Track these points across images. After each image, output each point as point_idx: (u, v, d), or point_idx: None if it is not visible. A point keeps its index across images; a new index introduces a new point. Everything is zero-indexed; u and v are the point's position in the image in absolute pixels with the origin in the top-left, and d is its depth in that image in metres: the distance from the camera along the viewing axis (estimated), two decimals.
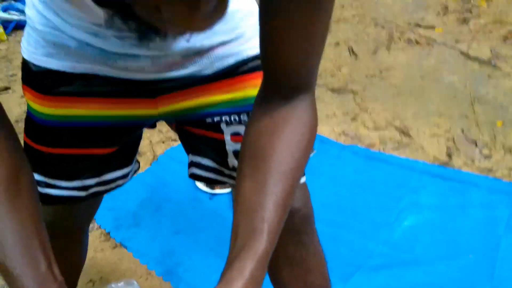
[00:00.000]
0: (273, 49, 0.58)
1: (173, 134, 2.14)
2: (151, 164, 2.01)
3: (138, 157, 2.14)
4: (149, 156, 2.06)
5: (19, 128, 2.37)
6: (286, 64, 0.59)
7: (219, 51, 0.74)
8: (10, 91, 2.74)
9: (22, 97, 2.64)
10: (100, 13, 0.62)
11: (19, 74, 3.10)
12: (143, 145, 2.12)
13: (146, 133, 2.19)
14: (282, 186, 0.57)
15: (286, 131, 0.60)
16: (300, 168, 0.61)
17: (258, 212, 0.55)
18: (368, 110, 2.12)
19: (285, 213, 0.58)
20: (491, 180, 1.64)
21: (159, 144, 2.11)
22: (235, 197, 0.60)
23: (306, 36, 0.56)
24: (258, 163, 0.59)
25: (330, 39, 2.71)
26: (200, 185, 1.81)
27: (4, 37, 3.43)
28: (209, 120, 0.77)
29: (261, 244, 0.54)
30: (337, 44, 2.64)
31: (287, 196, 0.58)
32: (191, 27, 0.37)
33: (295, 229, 0.82)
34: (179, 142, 2.18)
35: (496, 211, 1.51)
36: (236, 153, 0.78)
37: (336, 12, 3.00)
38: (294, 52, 0.57)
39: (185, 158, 2.13)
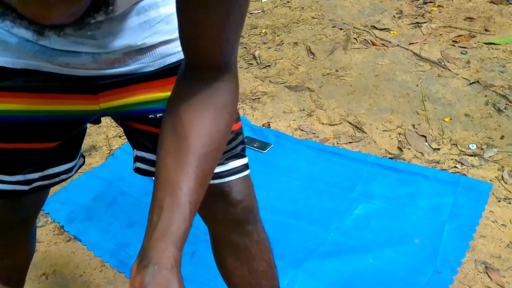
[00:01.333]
0: (190, 34, 0.61)
1: None
2: (107, 159, 1.99)
3: (94, 152, 2.13)
4: (105, 151, 2.04)
5: None
6: (203, 48, 0.61)
7: (161, 49, 0.76)
8: None
9: None
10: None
11: None
12: (99, 139, 2.10)
13: (103, 128, 2.17)
14: (202, 167, 0.60)
15: (207, 113, 0.62)
16: (219, 149, 0.65)
17: (183, 194, 0.58)
18: (324, 106, 2.17)
19: (203, 193, 0.62)
20: (437, 171, 1.71)
21: (115, 138, 2.10)
22: (158, 170, 0.62)
23: (222, 24, 0.59)
24: (181, 143, 0.61)
25: (289, 39, 2.76)
26: None
27: None
28: (151, 116, 0.78)
29: (184, 227, 0.57)
30: (296, 44, 2.69)
31: (207, 177, 0.62)
32: (47, 15, 0.39)
33: (238, 219, 0.85)
34: None
35: (442, 200, 1.57)
36: None
37: (296, 14, 3.06)
38: (210, 38, 0.60)
39: None
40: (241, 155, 0.82)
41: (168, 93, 0.77)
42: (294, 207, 1.60)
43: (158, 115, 0.78)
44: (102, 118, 0.88)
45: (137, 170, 0.85)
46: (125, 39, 0.72)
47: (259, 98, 2.28)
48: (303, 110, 2.16)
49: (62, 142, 0.82)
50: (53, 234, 1.67)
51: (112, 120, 2.28)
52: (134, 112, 0.79)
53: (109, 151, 2.04)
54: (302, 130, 2.04)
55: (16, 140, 0.78)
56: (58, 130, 0.80)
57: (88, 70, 0.74)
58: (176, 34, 0.75)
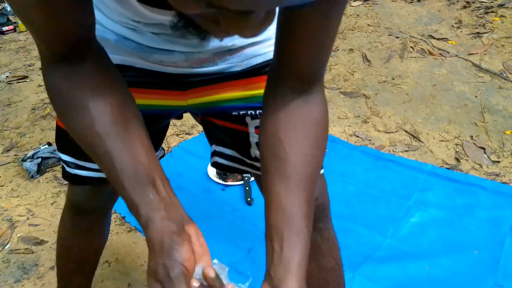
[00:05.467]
0: (288, 48, 0.63)
1: (187, 128, 2.20)
2: (164, 156, 2.06)
3: None
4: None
5: (36, 116, 2.46)
6: (300, 60, 0.63)
7: (249, 50, 0.80)
8: (27, 79, 2.81)
9: (38, 86, 2.71)
10: (141, 10, 0.67)
11: (37, 64, 3.19)
12: None
13: None
14: (309, 187, 0.63)
15: (306, 132, 0.64)
16: (320, 165, 0.67)
17: (299, 221, 0.61)
18: (379, 114, 2.17)
19: (313, 209, 0.65)
20: (496, 184, 1.67)
21: (173, 137, 2.17)
22: (269, 196, 0.64)
23: (319, 37, 0.61)
24: (286, 168, 0.63)
25: (344, 46, 2.77)
26: (213, 176, 1.86)
27: (23, 28, 3.51)
28: (235, 113, 0.82)
29: (305, 254, 0.61)
30: (351, 50, 2.70)
31: (313, 194, 0.65)
32: (244, 35, 0.41)
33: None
34: (192, 136, 2.23)
35: (502, 212, 1.54)
36: (258, 144, 0.83)
37: (352, 21, 3.06)
38: (307, 51, 0.62)
39: (198, 151, 2.19)
40: None
41: (252, 92, 0.81)
42: (350, 211, 1.61)
43: (241, 112, 0.81)
44: None
45: (215, 164, 0.89)
46: (217, 40, 0.75)
47: None
48: (359, 116, 2.17)
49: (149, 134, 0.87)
50: (115, 224, 1.75)
51: (178, 119, 2.37)
52: (218, 109, 0.83)
53: (167, 149, 2.11)
54: (357, 136, 2.04)
55: None
56: (147, 123, 0.85)
57: (179, 68, 0.79)
58: (264, 36, 0.79)
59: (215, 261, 0.63)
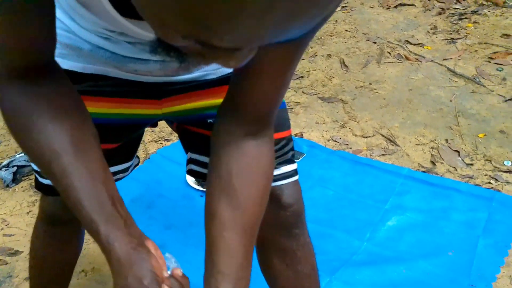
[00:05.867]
0: (250, 87, 0.63)
1: (165, 134, 2.19)
2: (143, 163, 2.05)
3: None
4: (141, 155, 2.10)
5: None
6: (260, 100, 0.64)
7: None
8: None
9: None
10: (118, 19, 0.66)
11: None
12: None
13: None
14: (256, 233, 0.65)
15: (259, 180, 0.66)
16: (264, 209, 0.69)
17: (246, 267, 0.63)
18: (357, 118, 2.19)
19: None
20: (471, 186, 1.71)
21: (151, 143, 2.16)
22: (215, 240, 0.64)
23: (281, 77, 0.62)
24: (238, 217, 0.64)
25: (322, 51, 2.79)
26: (192, 183, 1.86)
27: None
28: (210, 120, 0.82)
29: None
30: (329, 56, 2.72)
31: (256, 236, 0.67)
32: (228, 66, 0.41)
33: (287, 222, 0.88)
34: (171, 142, 2.23)
35: (476, 214, 1.58)
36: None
37: (330, 27, 3.09)
38: (269, 91, 0.63)
39: (176, 157, 2.19)
40: (291, 161, 0.86)
41: None
42: (328, 216, 1.62)
43: None
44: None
45: (190, 172, 0.90)
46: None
47: (292, 108, 2.31)
48: (336, 121, 2.19)
49: (123, 143, 0.86)
50: None
51: (153, 127, 2.34)
52: (194, 116, 0.83)
53: (145, 155, 2.10)
54: (335, 141, 2.06)
55: None
56: (121, 132, 0.84)
57: (154, 77, 0.79)
58: None
59: (167, 255, 0.65)
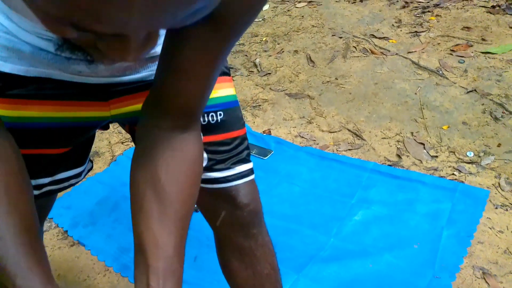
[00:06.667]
0: (175, 78, 0.61)
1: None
2: (109, 165, 2.02)
3: (97, 158, 2.15)
4: (107, 157, 2.06)
5: None
6: (186, 94, 0.62)
7: None
8: None
9: None
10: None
11: None
12: (102, 145, 2.12)
13: (105, 134, 2.20)
14: (186, 227, 0.63)
15: (186, 171, 0.63)
16: (195, 201, 0.66)
17: (176, 261, 0.60)
18: (323, 114, 2.20)
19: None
20: (435, 178, 1.73)
21: (117, 145, 2.12)
22: (143, 235, 0.60)
23: (208, 69, 0.60)
24: (165, 208, 0.61)
25: (289, 47, 2.79)
26: None
27: None
28: None
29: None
30: (296, 52, 2.73)
31: (187, 230, 0.64)
32: (125, 59, 0.39)
33: (244, 222, 0.87)
34: None
35: (440, 206, 1.60)
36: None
37: (297, 22, 3.10)
38: (195, 84, 0.61)
39: None
40: (246, 160, 0.85)
41: None
42: (295, 212, 1.62)
43: None
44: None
45: None
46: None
47: (259, 105, 2.31)
48: (303, 117, 2.19)
49: (73, 147, 0.84)
50: (57, 239, 1.69)
51: (115, 127, 2.30)
52: None
53: (111, 157, 2.06)
54: (302, 137, 2.07)
55: (29, 146, 0.79)
56: (70, 136, 0.82)
57: (100, 78, 0.76)
58: None
59: None
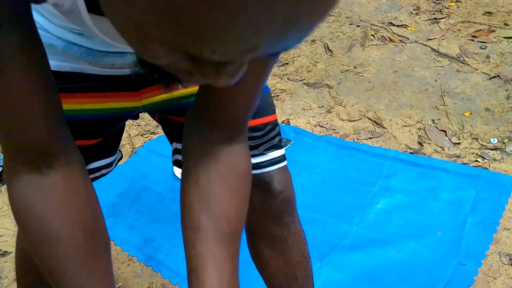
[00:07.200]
0: (224, 91, 0.59)
1: (151, 128, 2.17)
2: (130, 157, 2.03)
3: None
4: (128, 149, 2.08)
5: None
6: (234, 105, 0.61)
7: None
8: None
9: None
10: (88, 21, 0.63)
11: None
12: (122, 138, 2.14)
13: (125, 126, 2.21)
14: (238, 243, 0.62)
15: (240, 188, 0.63)
16: (245, 215, 0.66)
17: (233, 277, 0.60)
18: (343, 103, 2.19)
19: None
20: (458, 165, 1.71)
21: (137, 137, 2.14)
22: (201, 253, 0.60)
23: (256, 82, 0.60)
24: (223, 228, 0.60)
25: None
26: (179, 174, 1.84)
27: None
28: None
29: None
30: (313, 41, 2.71)
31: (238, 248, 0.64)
32: (218, 84, 0.38)
33: (278, 209, 0.86)
34: (157, 135, 2.21)
35: (463, 193, 1.58)
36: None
37: None
38: (243, 96, 0.60)
39: (163, 150, 2.16)
40: (279, 146, 0.83)
41: None
42: (316, 202, 1.62)
43: None
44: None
45: (176, 163, 0.88)
46: None
47: (278, 95, 2.30)
48: (322, 106, 2.18)
49: (104, 137, 0.85)
50: None
51: (134, 119, 2.32)
52: (174, 106, 0.81)
53: (132, 149, 2.08)
54: (321, 126, 2.05)
55: None
56: (102, 127, 0.82)
57: (131, 69, 0.76)
58: None
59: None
